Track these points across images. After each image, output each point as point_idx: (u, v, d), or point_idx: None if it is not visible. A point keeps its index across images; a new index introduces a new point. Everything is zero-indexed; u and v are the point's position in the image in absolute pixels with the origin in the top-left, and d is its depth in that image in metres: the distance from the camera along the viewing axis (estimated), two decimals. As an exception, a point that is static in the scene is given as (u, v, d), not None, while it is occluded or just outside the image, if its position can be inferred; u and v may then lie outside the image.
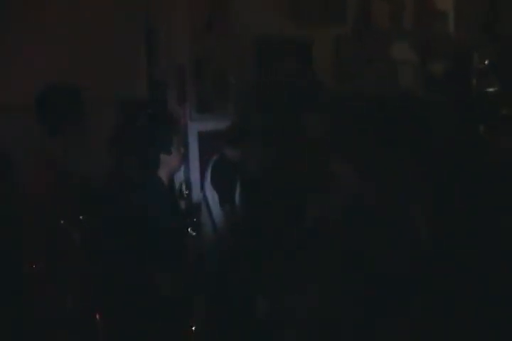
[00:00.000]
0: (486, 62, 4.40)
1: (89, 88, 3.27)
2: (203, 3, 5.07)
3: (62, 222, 3.05)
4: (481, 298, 2.65)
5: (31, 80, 3.46)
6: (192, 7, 4.96)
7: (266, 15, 5.26)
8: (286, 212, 3.27)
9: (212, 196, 3.85)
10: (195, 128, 4.71)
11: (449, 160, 3.28)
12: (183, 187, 3.78)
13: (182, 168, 4.13)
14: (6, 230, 2.99)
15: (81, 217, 3.14)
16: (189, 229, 3.77)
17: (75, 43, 4.33)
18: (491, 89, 4.22)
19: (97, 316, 3.00)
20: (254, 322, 3.30)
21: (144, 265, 3.09)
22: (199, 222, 3.95)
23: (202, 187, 4.17)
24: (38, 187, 3.03)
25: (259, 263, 3.30)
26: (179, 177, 4.25)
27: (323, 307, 2.75)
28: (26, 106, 3.17)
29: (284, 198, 3.36)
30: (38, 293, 2.94)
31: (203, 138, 4.66)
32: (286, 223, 3.21)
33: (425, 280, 2.67)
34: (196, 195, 4.49)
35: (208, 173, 3.93)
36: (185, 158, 4.17)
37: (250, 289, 3.33)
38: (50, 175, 3.07)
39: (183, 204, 3.95)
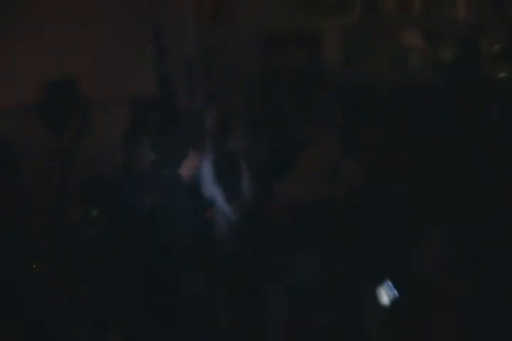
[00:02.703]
0: (496, 47, 4.35)
1: (91, 85, 3.27)
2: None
3: (73, 218, 3.08)
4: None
5: (35, 80, 3.46)
6: (199, 2, 4.95)
7: (273, 7, 5.24)
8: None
9: (217, 192, 3.86)
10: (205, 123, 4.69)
11: (461, 146, 3.26)
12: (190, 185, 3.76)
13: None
14: (14, 229, 3.02)
15: (93, 212, 3.16)
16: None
17: (82, 42, 4.34)
18: (502, 74, 4.18)
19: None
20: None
21: (157, 260, 3.10)
22: (210, 218, 3.96)
23: (208, 184, 4.17)
24: (46, 185, 3.05)
25: (271, 255, 3.32)
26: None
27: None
28: (32, 105, 3.19)
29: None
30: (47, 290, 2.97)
31: (210, 132, 4.64)
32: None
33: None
34: (209, 188, 4.49)
35: (212, 169, 3.93)
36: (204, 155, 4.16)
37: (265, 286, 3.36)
38: (59, 174, 3.08)
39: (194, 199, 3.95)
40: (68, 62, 4.14)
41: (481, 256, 2.71)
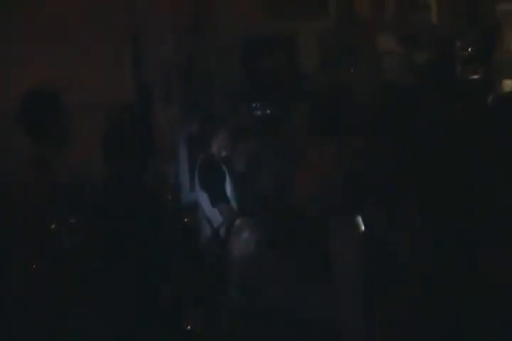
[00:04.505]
0: (470, 49, 4.41)
1: (71, 92, 3.26)
2: (187, 4, 5.10)
3: (53, 225, 3.06)
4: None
5: (14, 87, 3.46)
6: (176, 9, 4.97)
7: (250, 13, 5.28)
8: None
9: (202, 196, 3.86)
10: (184, 129, 4.71)
11: (436, 148, 3.29)
12: (168, 191, 3.79)
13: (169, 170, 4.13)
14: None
15: (72, 220, 3.14)
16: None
17: (60, 49, 4.34)
18: (475, 76, 4.23)
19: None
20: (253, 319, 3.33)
21: (137, 267, 3.09)
22: (192, 222, 3.96)
23: (193, 188, 4.19)
24: (27, 190, 3.04)
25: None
26: (168, 178, 4.25)
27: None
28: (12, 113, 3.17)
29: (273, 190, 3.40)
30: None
31: (191, 138, 4.66)
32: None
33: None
34: (188, 195, 4.50)
35: (195, 174, 3.94)
36: (173, 159, 4.18)
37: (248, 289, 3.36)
38: (39, 179, 3.07)
39: (173, 205, 3.96)
40: (47, 69, 4.14)
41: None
